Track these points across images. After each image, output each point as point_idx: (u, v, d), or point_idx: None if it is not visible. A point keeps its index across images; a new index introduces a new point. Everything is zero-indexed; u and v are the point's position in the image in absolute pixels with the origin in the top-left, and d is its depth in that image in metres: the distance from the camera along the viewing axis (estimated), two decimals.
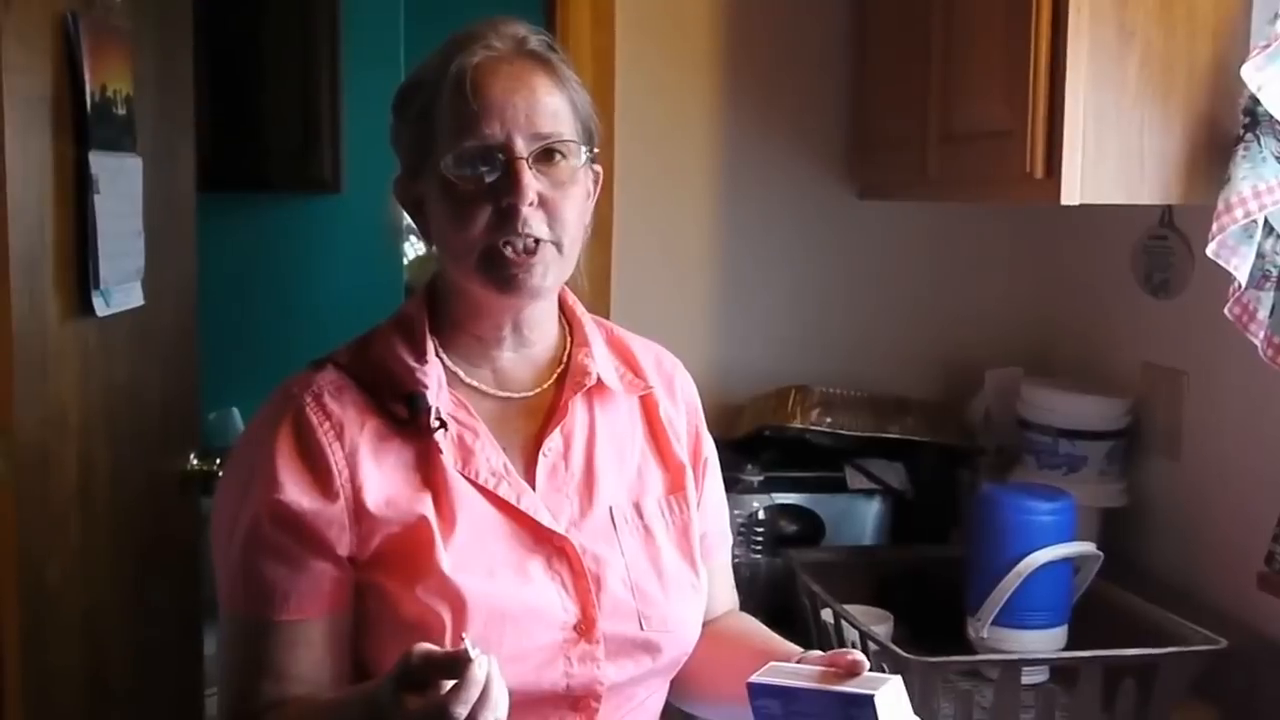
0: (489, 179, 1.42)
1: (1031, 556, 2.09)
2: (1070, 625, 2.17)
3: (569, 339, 1.59)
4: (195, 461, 2.88)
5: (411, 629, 1.39)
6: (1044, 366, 2.80)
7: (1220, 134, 1.99)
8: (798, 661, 1.42)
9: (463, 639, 1.22)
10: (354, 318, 1.60)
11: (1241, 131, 1.94)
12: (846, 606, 2.14)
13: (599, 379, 1.56)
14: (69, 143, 2.28)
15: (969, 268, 2.91)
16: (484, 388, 1.53)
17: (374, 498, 1.42)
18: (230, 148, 4.21)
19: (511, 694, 1.24)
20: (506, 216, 1.41)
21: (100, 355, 2.43)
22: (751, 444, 2.67)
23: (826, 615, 2.18)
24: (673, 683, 1.62)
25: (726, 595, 1.76)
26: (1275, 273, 2.00)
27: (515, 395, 1.54)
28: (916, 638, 2.20)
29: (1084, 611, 2.20)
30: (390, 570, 1.42)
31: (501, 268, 1.43)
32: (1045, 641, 2.14)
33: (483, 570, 1.43)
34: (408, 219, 1.57)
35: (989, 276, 2.90)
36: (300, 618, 1.42)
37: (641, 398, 1.62)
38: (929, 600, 2.33)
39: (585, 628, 1.46)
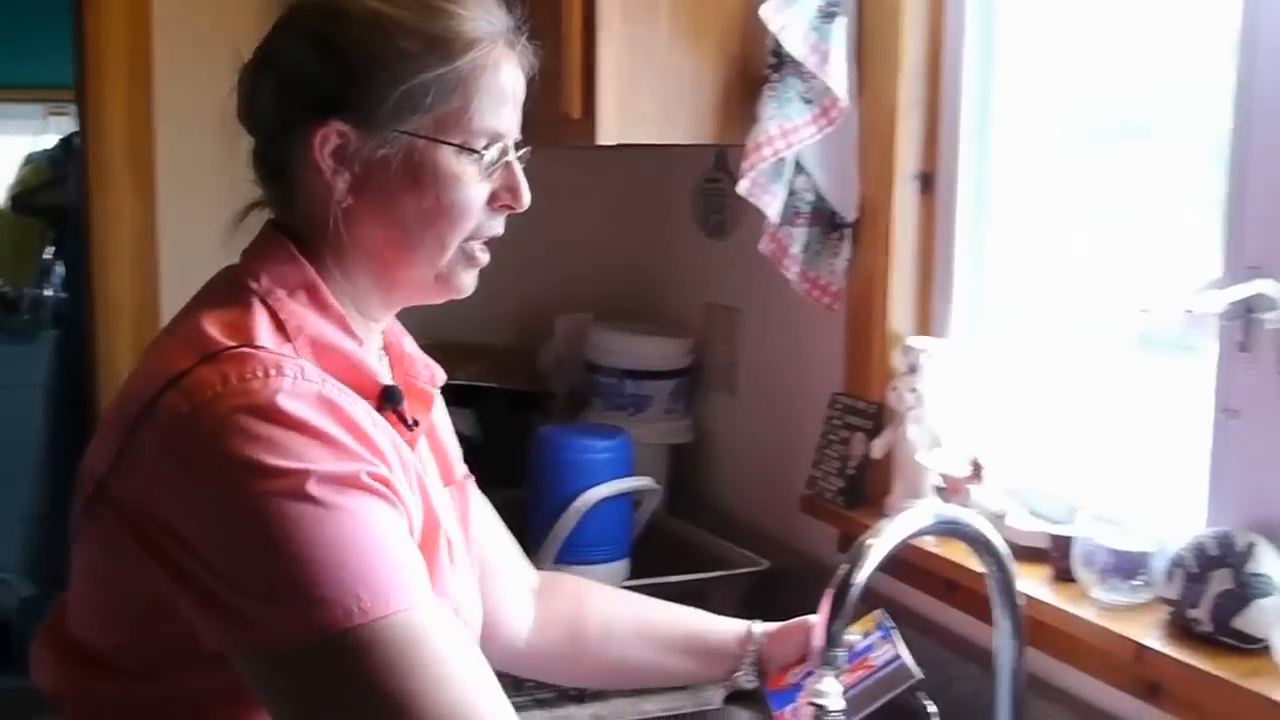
0: (492, 172, 1.30)
1: (589, 493, 2.14)
2: (633, 557, 2.24)
3: None
4: None
5: None
6: (616, 311, 2.85)
7: (752, 75, 2.05)
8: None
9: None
10: None
11: (769, 73, 2.00)
12: None
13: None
14: None
15: (540, 214, 2.83)
16: None
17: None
18: None
19: None
20: (497, 216, 1.32)
21: None
22: None
23: None
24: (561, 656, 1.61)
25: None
26: (807, 210, 2.07)
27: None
28: None
29: (647, 544, 2.27)
30: None
31: (471, 270, 1.33)
32: (608, 575, 2.18)
33: (456, 569, 1.31)
34: None
35: (561, 222, 2.89)
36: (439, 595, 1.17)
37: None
38: None
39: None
